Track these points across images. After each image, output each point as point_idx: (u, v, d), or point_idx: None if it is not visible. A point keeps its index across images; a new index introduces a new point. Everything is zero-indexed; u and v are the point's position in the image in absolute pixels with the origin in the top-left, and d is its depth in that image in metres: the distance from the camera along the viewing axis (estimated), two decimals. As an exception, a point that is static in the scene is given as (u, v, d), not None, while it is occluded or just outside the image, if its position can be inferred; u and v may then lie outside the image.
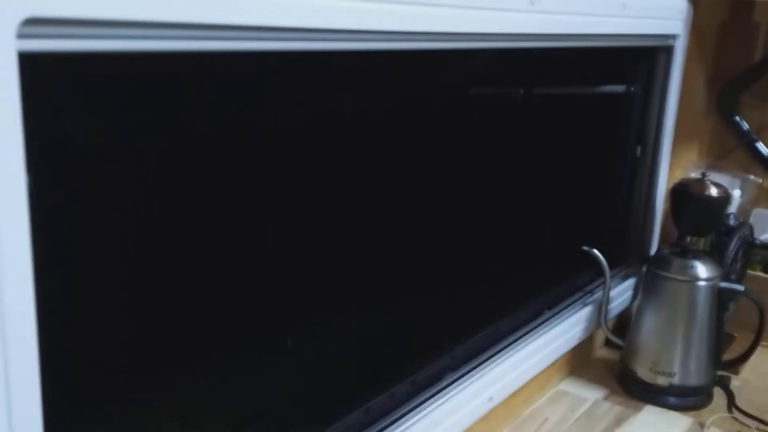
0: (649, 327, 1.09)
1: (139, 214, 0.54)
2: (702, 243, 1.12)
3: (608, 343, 1.20)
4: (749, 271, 1.30)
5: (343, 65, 0.66)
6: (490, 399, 0.91)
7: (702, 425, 1.02)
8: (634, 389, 1.09)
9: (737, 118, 1.40)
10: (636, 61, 1.17)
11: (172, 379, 0.59)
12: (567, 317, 1.08)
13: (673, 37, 1.14)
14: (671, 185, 1.14)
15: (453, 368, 0.88)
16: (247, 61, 0.56)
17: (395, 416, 0.78)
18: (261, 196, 0.64)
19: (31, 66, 0.39)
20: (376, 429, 0.76)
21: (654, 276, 1.09)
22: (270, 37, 0.54)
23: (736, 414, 1.05)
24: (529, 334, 1.00)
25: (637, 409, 1.05)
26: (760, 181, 1.42)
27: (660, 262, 1.09)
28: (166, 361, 0.58)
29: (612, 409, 1.05)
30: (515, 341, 0.98)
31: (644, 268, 1.15)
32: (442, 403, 0.83)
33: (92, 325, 0.52)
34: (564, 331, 1.06)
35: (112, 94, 0.48)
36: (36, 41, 0.39)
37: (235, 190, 0.61)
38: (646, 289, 1.11)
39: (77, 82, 0.45)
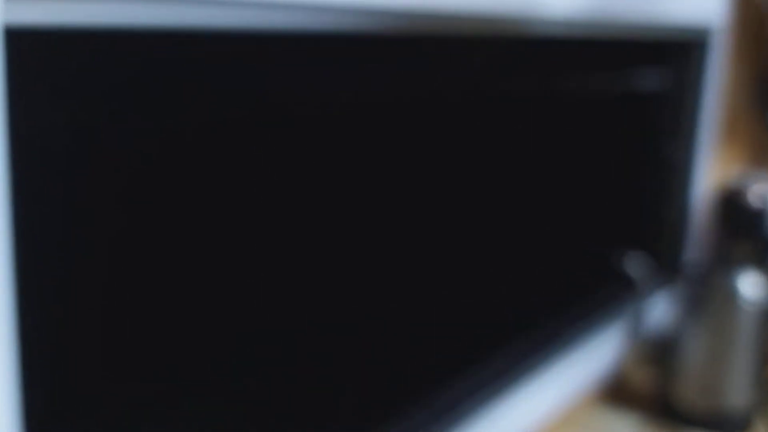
0: (689, 347, 1.07)
1: (130, 210, 0.52)
2: (745, 253, 1.10)
3: (643, 365, 1.19)
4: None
5: (347, 57, 0.65)
6: (512, 431, 0.89)
7: (748, 454, 1.01)
8: (673, 417, 1.07)
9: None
10: (672, 57, 1.16)
11: (161, 388, 0.57)
12: (597, 337, 1.07)
13: (711, 30, 1.14)
14: (711, 191, 1.13)
15: (470, 396, 0.85)
16: (254, 44, 0.55)
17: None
18: (259, 200, 0.63)
19: (18, 43, 0.37)
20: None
21: (693, 290, 1.07)
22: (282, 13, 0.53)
23: (785, 442, 1.03)
24: (555, 357, 0.98)
25: (677, 438, 1.03)
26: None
27: (700, 274, 1.08)
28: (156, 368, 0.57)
29: (649, 438, 1.03)
30: (539, 365, 0.96)
31: (683, 281, 1.14)
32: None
33: (77, 329, 0.50)
34: (594, 352, 1.05)
35: (108, 78, 0.47)
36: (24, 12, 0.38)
37: (224, 191, 0.60)
38: (685, 304, 1.09)
39: (69, 63, 0.44)
